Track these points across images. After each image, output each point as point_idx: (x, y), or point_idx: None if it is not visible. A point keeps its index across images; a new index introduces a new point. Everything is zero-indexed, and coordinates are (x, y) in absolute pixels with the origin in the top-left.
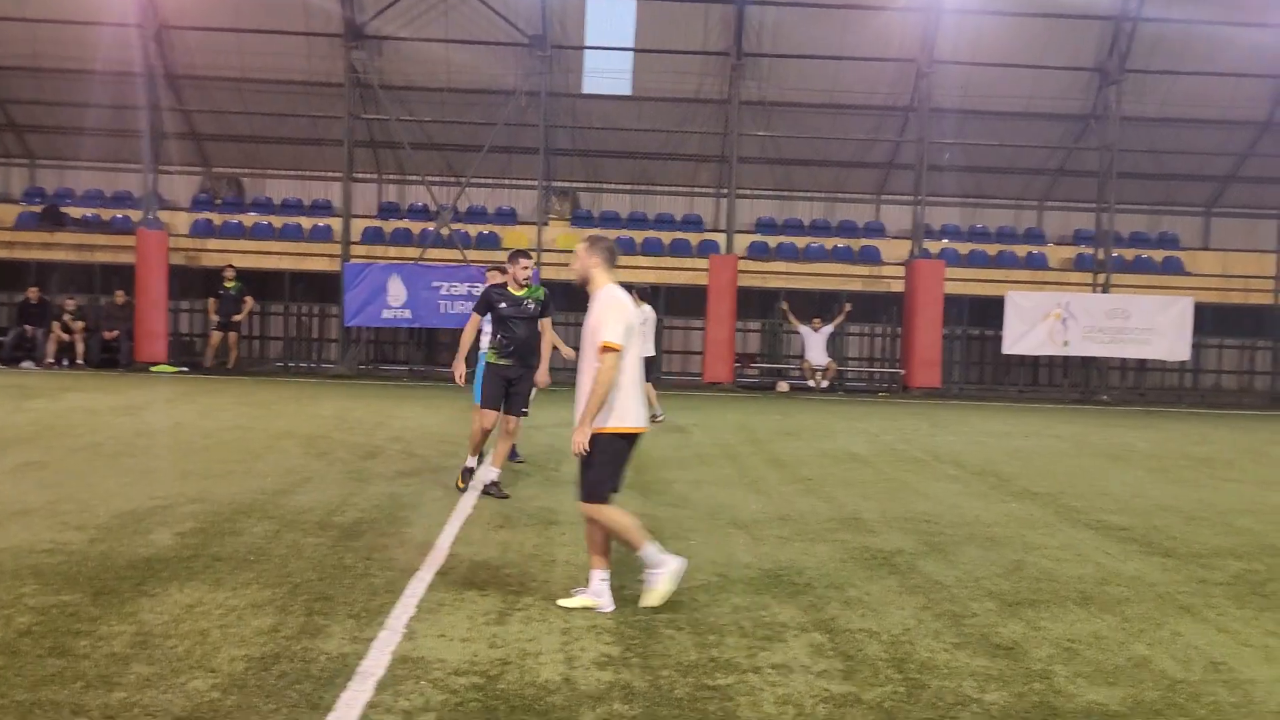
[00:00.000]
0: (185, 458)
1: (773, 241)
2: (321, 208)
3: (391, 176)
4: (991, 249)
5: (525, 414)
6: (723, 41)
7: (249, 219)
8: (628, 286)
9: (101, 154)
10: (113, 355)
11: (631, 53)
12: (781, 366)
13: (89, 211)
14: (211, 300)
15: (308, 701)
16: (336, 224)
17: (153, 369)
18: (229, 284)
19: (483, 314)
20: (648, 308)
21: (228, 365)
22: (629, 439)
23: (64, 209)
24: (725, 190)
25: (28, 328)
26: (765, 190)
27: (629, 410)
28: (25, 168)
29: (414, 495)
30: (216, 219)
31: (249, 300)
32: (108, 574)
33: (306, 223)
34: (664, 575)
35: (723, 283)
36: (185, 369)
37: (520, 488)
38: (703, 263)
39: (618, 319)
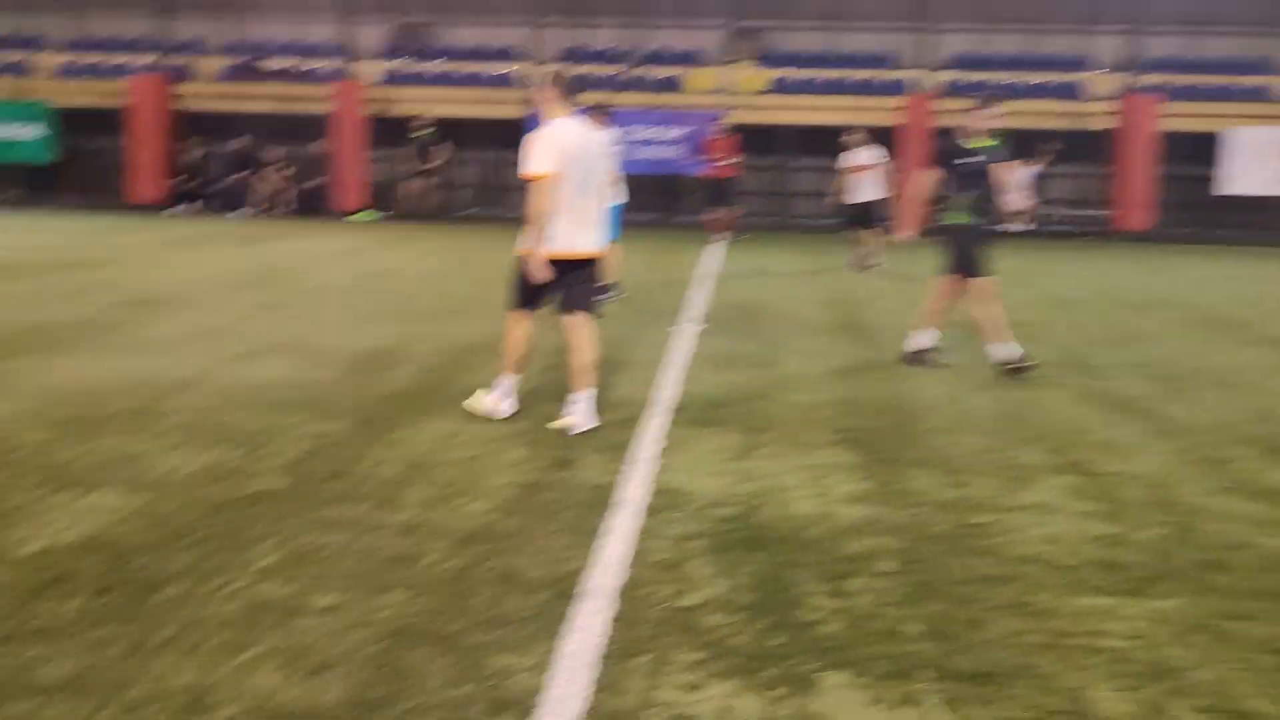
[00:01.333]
0: (405, 300)
1: (971, 78)
2: (504, 54)
3: (576, 19)
4: (1213, 80)
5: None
6: None
7: (437, 67)
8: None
9: (290, 5)
10: (314, 203)
11: None
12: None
13: (288, 63)
14: (405, 148)
15: (581, 526)
16: (523, 70)
17: (352, 216)
18: (421, 132)
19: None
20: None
21: (422, 212)
22: (560, 264)
23: (263, 61)
24: (920, 25)
25: (239, 176)
26: (962, 25)
27: (557, 236)
28: (226, 21)
29: (634, 336)
30: (407, 68)
31: (441, 148)
32: (364, 406)
33: (492, 70)
34: (488, 406)
35: (915, 123)
36: (383, 215)
37: (737, 332)
38: (894, 102)
39: (543, 149)
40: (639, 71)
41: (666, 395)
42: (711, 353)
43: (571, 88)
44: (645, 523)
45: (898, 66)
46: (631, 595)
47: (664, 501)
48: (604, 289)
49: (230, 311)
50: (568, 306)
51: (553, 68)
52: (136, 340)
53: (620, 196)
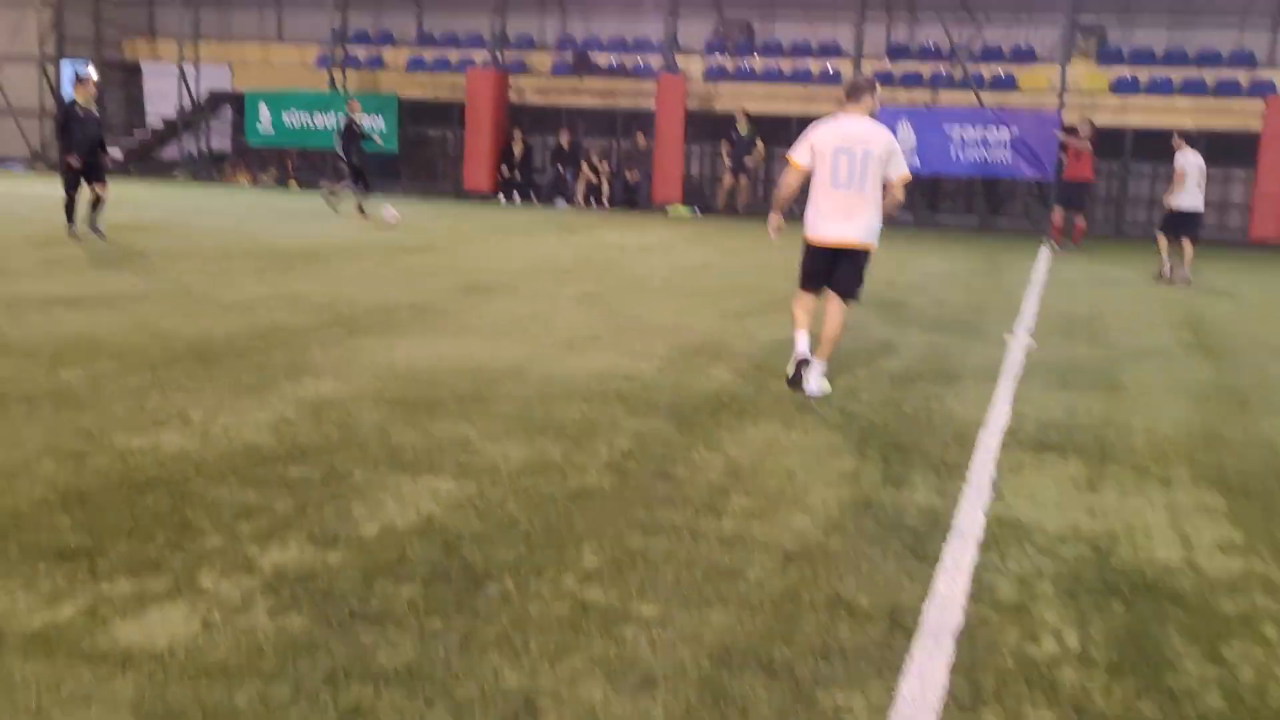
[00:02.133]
0: (720, 296)
1: None
2: (829, 50)
3: (901, 15)
4: None
5: None
6: None
7: (759, 63)
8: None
9: (625, 1)
10: (633, 196)
11: None
12: None
13: (613, 58)
14: (724, 144)
15: (912, 552)
16: (844, 67)
17: (669, 210)
18: (742, 128)
19: None
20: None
21: (738, 208)
22: (818, 249)
23: (591, 56)
24: None
25: (560, 169)
26: None
27: (810, 222)
28: (558, 18)
29: (957, 346)
30: (729, 64)
31: (761, 144)
32: (684, 404)
33: (815, 65)
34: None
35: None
36: (698, 211)
37: (1072, 348)
38: (1256, 105)
39: (799, 141)
40: (971, 68)
41: (1001, 414)
42: (1047, 368)
43: (850, 87)
44: (984, 555)
45: (1255, 65)
46: (974, 637)
47: (1004, 533)
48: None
49: (552, 300)
50: (830, 286)
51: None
52: (467, 324)
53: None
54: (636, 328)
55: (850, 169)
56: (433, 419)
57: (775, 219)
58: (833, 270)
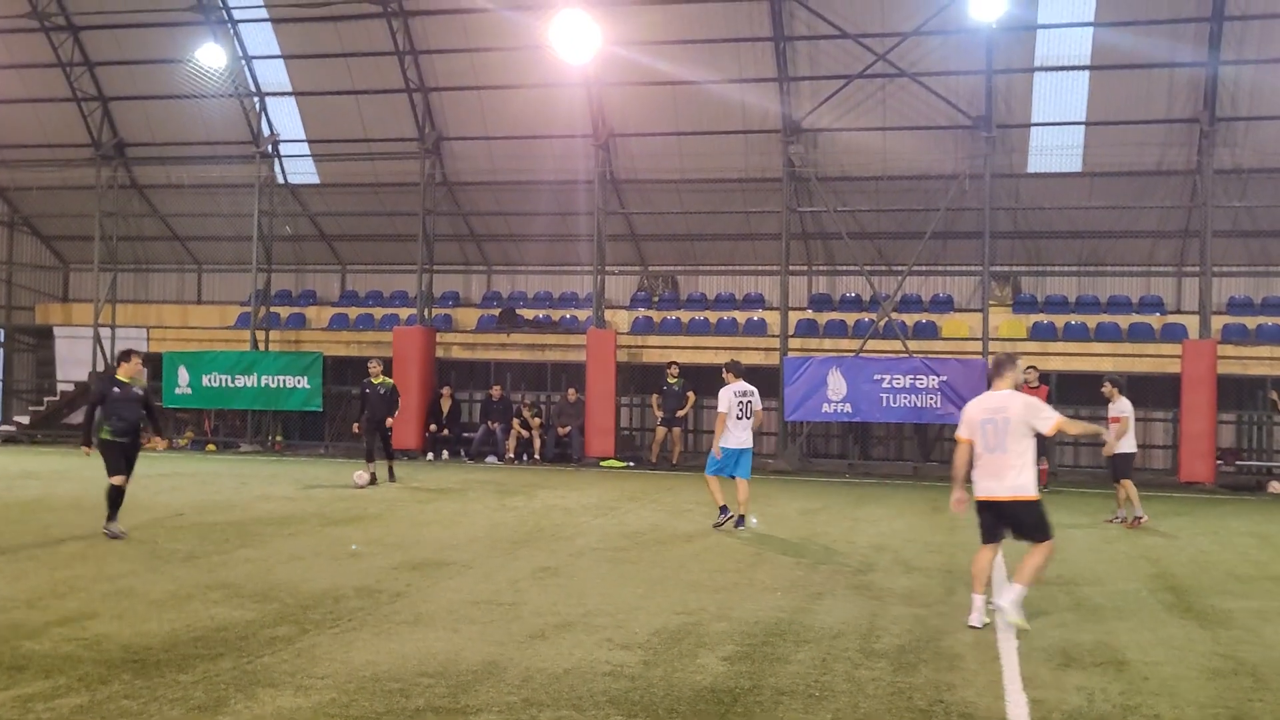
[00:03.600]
0: (682, 565)
1: (1251, 323)
2: (754, 301)
3: (821, 268)
4: None
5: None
6: (1189, 108)
7: (685, 315)
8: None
9: (548, 258)
10: (565, 450)
11: (1083, 127)
12: (1272, 464)
13: (540, 313)
14: (655, 396)
15: None
16: (769, 317)
17: (602, 463)
18: (673, 380)
19: None
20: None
21: (672, 460)
22: (981, 505)
23: (518, 311)
24: (1189, 268)
25: (491, 424)
26: (1237, 266)
27: (975, 484)
28: (483, 274)
29: (940, 619)
30: (655, 316)
31: (691, 396)
32: (683, 707)
33: (741, 316)
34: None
35: (1200, 370)
36: (632, 464)
37: (1057, 615)
38: (1169, 348)
39: (962, 417)
40: (894, 316)
41: (1019, 705)
42: (1042, 642)
43: (994, 365)
44: None
45: (1164, 310)
46: None
47: None
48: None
49: (508, 577)
50: (1021, 538)
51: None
52: (423, 612)
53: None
54: (606, 609)
55: (996, 435)
56: None
57: (958, 493)
58: (1010, 525)
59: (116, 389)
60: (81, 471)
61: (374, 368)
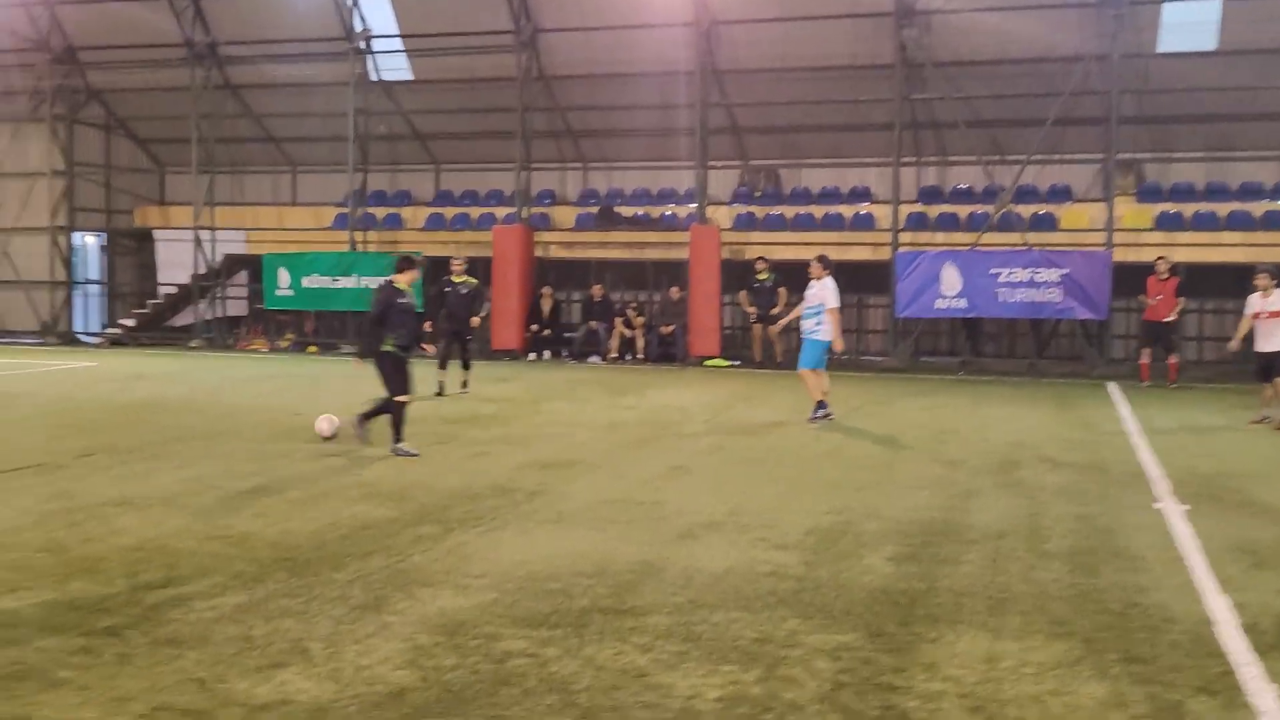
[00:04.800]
0: (814, 464)
1: None
2: (860, 195)
3: (932, 159)
4: None
5: None
6: None
7: (789, 210)
8: None
9: (646, 154)
10: (668, 350)
11: (1220, 1)
12: None
13: (639, 210)
14: (743, 293)
15: None
16: (877, 211)
17: (706, 363)
18: (762, 276)
19: None
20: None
21: (776, 359)
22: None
23: (616, 208)
24: None
25: (593, 324)
26: None
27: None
28: (580, 171)
29: (1109, 519)
30: (758, 211)
31: (783, 292)
32: (859, 608)
33: (847, 211)
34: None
35: None
36: (737, 363)
37: (1232, 515)
38: None
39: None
40: (1010, 208)
41: (1220, 607)
42: (1225, 542)
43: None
44: None
45: None
46: None
47: None
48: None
49: (639, 476)
50: None
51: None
52: (563, 511)
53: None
54: (750, 509)
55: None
56: (585, 641)
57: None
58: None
59: (400, 299)
60: (190, 373)
61: (457, 265)
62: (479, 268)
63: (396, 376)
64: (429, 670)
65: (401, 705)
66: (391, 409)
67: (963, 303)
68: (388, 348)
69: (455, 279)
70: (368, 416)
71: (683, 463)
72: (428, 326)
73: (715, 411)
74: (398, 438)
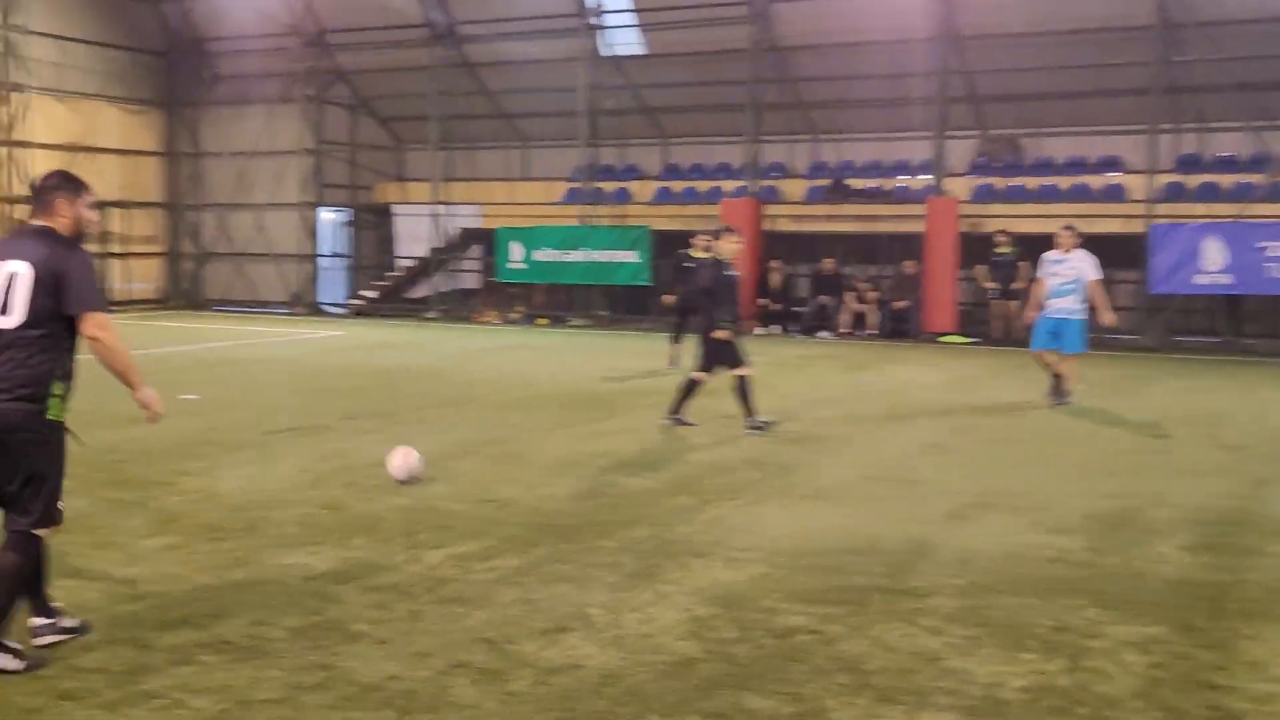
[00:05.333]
0: (1078, 446)
1: None
2: (1108, 164)
3: (1190, 125)
4: None
5: None
6: None
7: (1031, 181)
8: None
9: (878, 125)
10: (902, 325)
11: None
12: None
13: (870, 183)
14: (982, 268)
15: None
16: (1128, 181)
17: (941, 339)
18: (1003, 250)
19: None
20: None
21: (1014, 336)
22: None
23: (847, 181)
24: None
25: (823, 298)
26: None
27: None
28: (809, 143)
29: None
30: (998, 183)
31: (1024, 266)
32: (1163, 598)
33: (1095, 181)
34: None
35: None
36: (976, 339)
37: None
38: None
39: None
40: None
41: None
42: None
43: None
44: None
45: None
46: None
47: None
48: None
49: (894, 453)
50: None
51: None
52: (819, 485)
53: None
54: (1019, 490)
55: None
56: (870, 620)
57: None
58: None
59: (726, 271)
60: (431, 343)
61: (701, 241)
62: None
63: (733, 350)
64: (711, 642)
65: (690, 675)
66: (741, 385)
67: (1227, 278)
68: (725, 323)
69: (696, 254)
70: (682, 400)
71: (936, 440)
72: (665, 299)
73: (960, 388)
74: (750, 411)
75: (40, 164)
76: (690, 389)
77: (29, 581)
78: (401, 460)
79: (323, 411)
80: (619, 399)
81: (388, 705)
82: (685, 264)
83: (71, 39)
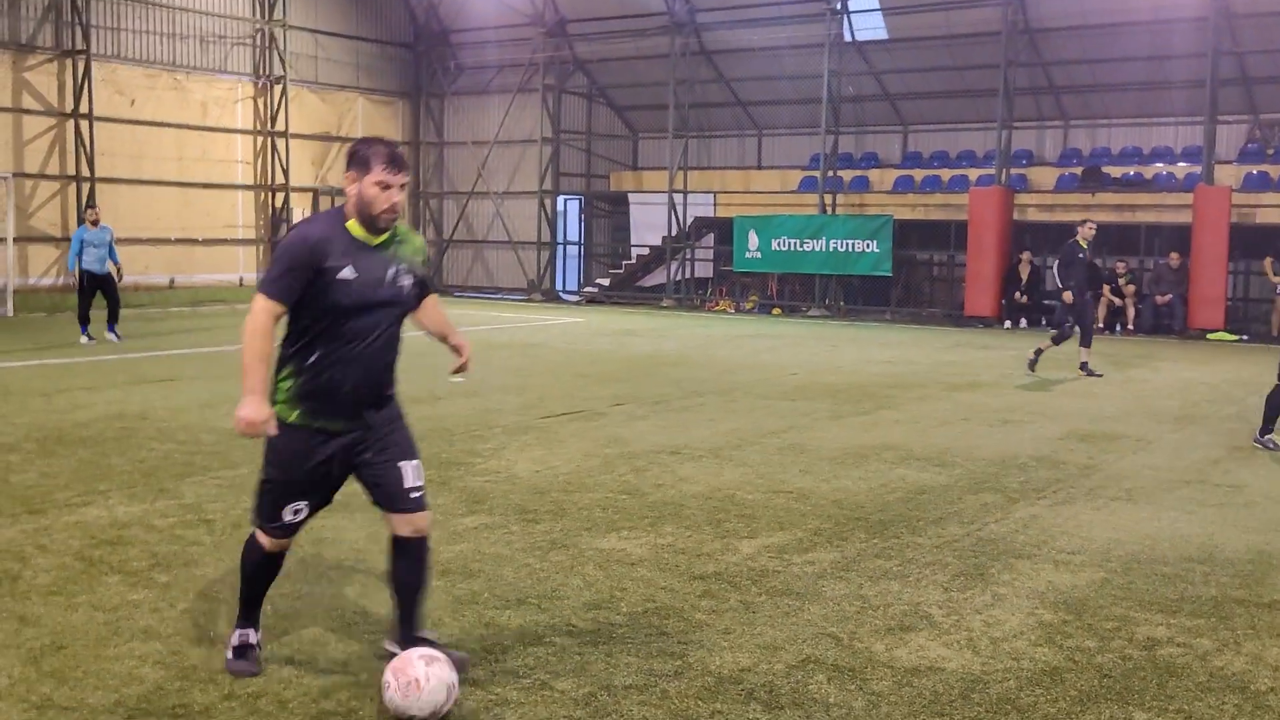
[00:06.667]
0: None
1: None
2: None
3: None
4: None
5: None
6: None
7: None
8: None
9: (1135, 109)
10: (1162, 321)
11: None
12: None
13: (1128, 170)
14: (1269, 260)
15: None
16: None
17: (1209, 336)
18: None
19: None
20: None
21: None
22: None
23: (1103, 169)
24: None
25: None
26: None
27: None
28: (1060, 129)
29: None
30: (1272, 171)
31: None
32: None
33: None
34: None
35: None
36: (1245, 337)
37: None
38: None
39: None
40: None
41: None
42: None
43: None
44: None
45: None
46: None
47: None
48: None
49: (1200, 455)
50: None
51: None
52: (1132, 489)
53: None
54: None
55: None
56: (1239, 636)
57: None
58: None
59: (1079, 255)
60: (672, 330)
61: (1087, 230)
62: (945, 230)
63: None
64: (1073, 651)
65: (1061, 686)
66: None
67: None
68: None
69: (1083, 242)
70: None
71: (1242, 444)
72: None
73: (1250, 389)
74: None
75: (295, 154)
76: None
77: (245, 579)
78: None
79: (591, 397)
80: (885, 391)
81: (751, 698)
82: (1079, 255)
83: (326, 33)
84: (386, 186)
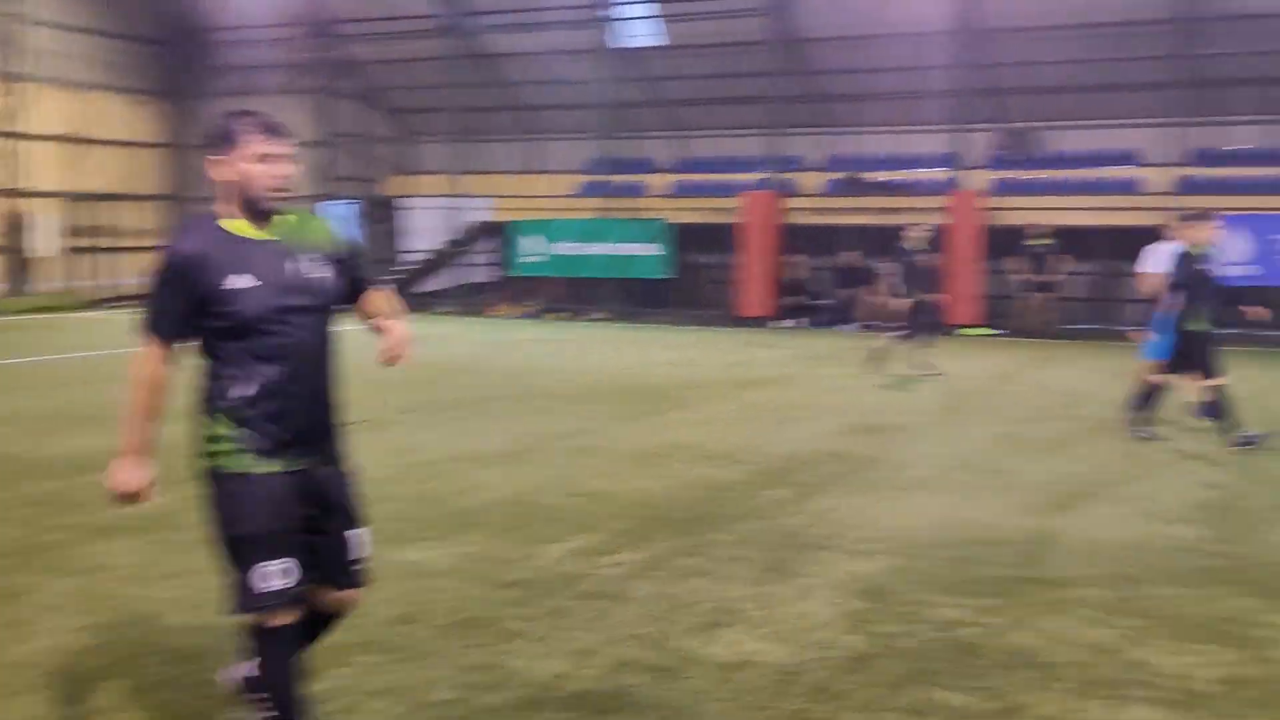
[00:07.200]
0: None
1: None
2: (1119, 159)
3: (1210, 118)
4: None
5: None
6: None
7: (1046, 174)
8: None
9: (895, 118)
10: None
11: None
12: None
13: (894, 175)
14: (1016, 260)
15: None
16: (1141, 174)
17: (964, 331)
18: (1037, 242)
19: None
20: None
21: (1040, 328)
22: None
23: (864, 175)
24: None
25: (844, 291)
26: None
27: None
28: (827, 135)
29: None
30: (1015, 176)
31: (1058, 259)
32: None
33: (1109, 175)
34: None
35: None
36: (1002, 332)
37: None
38: None
39: None
40: None
41: None
42: None
43: None
44: None
45: None
46: None
47: None
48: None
49: (969, 444)
50: None
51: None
52: (915, 478)
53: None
54: (1114, 478)
55: None
56: (1028, 612)
57: None
58: None
59: (1197, 265)
60: (457, 336)
61: (913, 232)
62: (721, 233)
63: (1212, 357)
64: (878, 636)
65: (872, 671)
66: (1212, 399)
67: (1255, 269)
68: (1195, 326)
69: (909, 244)
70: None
71: (1007, 431)
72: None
73: (1003, 379)
74: (1232, 428)
75: (39, 156)
76: (1153, 395)
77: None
78: None
79: (378, 405)
80: (673, 391)
81: (573, 705)
82: (904, 257)
83: (71, 27)
84: (268, 158)
